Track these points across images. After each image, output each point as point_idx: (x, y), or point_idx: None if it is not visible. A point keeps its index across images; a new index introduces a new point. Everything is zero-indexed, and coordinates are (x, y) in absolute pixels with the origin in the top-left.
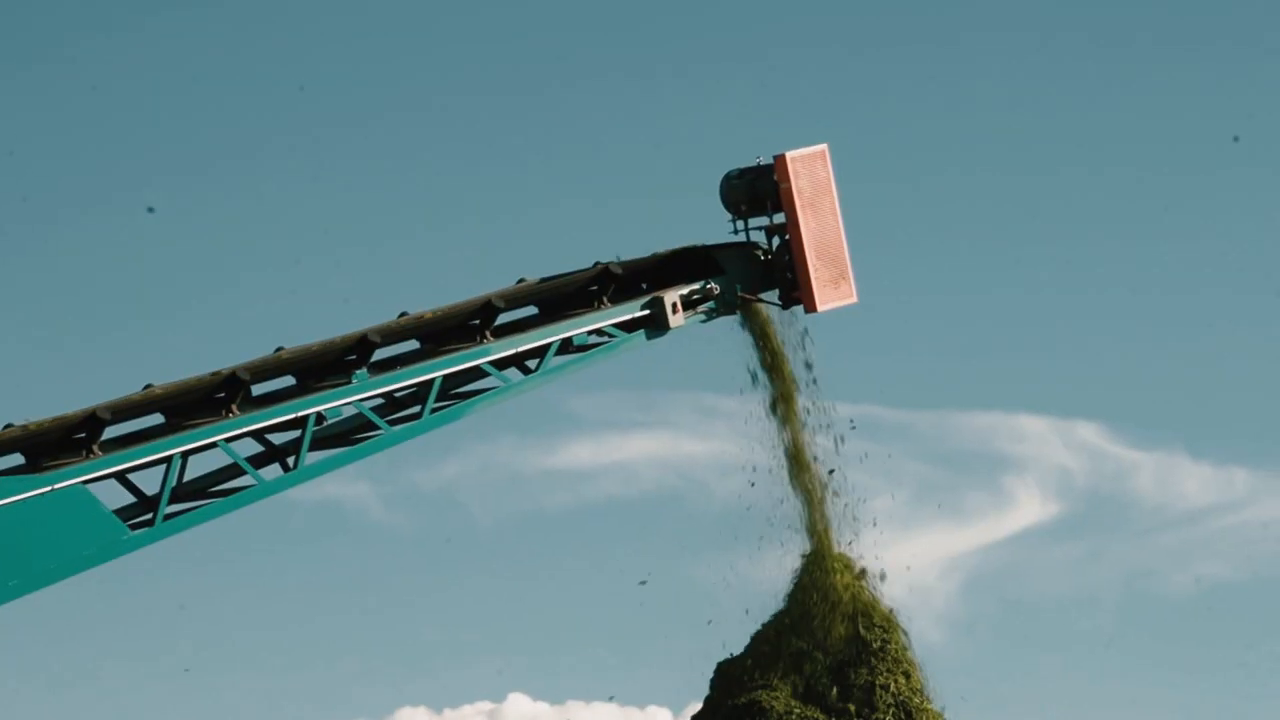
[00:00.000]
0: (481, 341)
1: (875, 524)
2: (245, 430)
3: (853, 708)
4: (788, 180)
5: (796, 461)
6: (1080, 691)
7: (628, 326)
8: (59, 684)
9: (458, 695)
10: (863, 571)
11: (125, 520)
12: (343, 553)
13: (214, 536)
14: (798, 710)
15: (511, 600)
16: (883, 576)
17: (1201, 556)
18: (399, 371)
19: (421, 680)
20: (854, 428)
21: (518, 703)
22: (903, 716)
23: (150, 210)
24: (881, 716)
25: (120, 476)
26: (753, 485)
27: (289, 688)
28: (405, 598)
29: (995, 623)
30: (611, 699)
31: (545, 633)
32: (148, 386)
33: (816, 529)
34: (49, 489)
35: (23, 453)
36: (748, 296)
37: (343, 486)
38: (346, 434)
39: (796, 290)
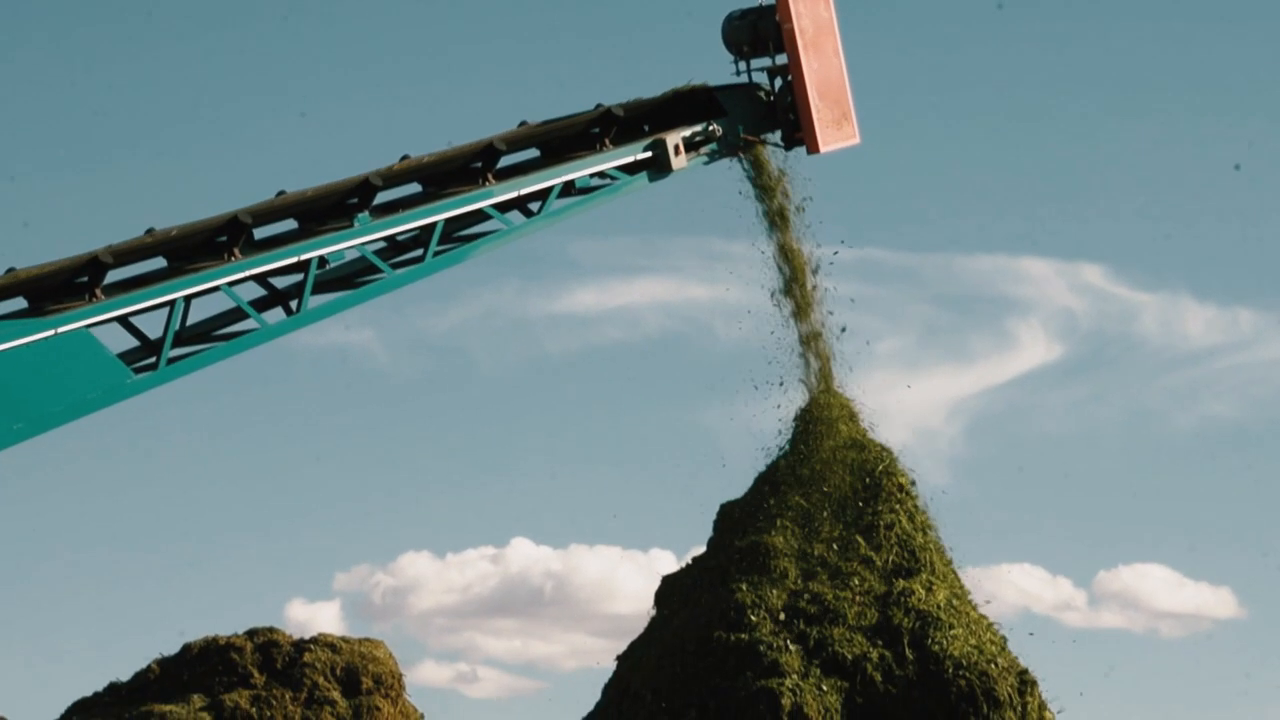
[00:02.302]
0: (483, 184)
1: (879, 366)
2: (248, 274)
3: (858, 545)
4: (790, 20)
5: (799, 304)
6: (1083, 530)
7: (630, 169)
8: (62, 527)
9: (461, 540)
10: (865, 413)
11: (129, 364)
12: (347, 399)
13: (218, 381)
14: (801, 550)
15: (514, 446)
16: (887, 418)
17: (1205, 397)
18: (401, 215)
19: (425, 525)
20: (837, 253)
21: (520, 547)
22: (906, 555)
23: (151, 44)
24: (885, 555)
25: (123, 320)
26: (758, 329)
27: (294, 534)
28: (409, 443)
29: (999, 464)
30: (614, 516)
31: (549, 478)
32: (149, 230)
33: (819, 371)
34: (52, 333)
35: (25, 297)
36: (750, 138)
37: (347, 333)
38: (349, 278)
39: (799, 131)
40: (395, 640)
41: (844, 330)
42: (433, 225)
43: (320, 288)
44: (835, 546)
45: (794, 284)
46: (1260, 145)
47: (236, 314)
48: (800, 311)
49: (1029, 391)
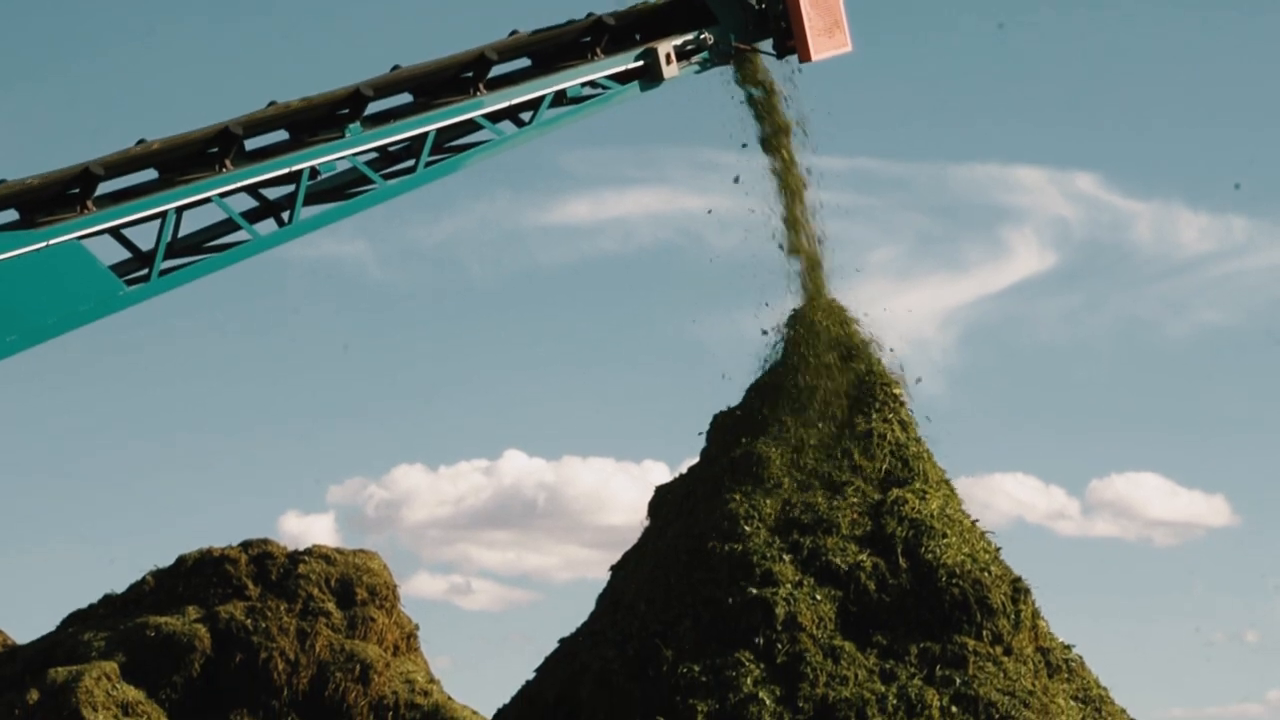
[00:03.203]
0: (475, 94)
1: (872, 276)
2: (239, 185)
3: (851, 454)
4: None
5: (792, 214)
6: (1076, 439)
7: (621, 78)
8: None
9: (454, 453)
10: (858, 322)
11: (120, 276)
12: (340, 311)
13: (210, 294)
14: (795, 459)
15: (508, 358)
16: (880, 327)
17: (1198, 305)
18: (392, 125)
19: (418, 438)
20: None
21: (514, 459)
22: (899, 464)
23: None
24: (878, 464)
25: (115, 232)
26: (750, 240)
27: (286, 446)
28: (402, 356)
29: (992, 373)
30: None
31: (541, 390)
32: (140, 141)
33: (812, 280)
34: (44, 245)
35: (17, 209)
36: (742, 46)
37: (340, 245)
38: (341, 189)
39: (791, 39)
40: (389, 553)
41: (830, 241)
42: (424, 136)
43: (312, 199)
44: (828, 456)
45: (787, 194)
46: (1256, 51)
47: (228, 225)
48: (794, 222)
49: (1022, 301)
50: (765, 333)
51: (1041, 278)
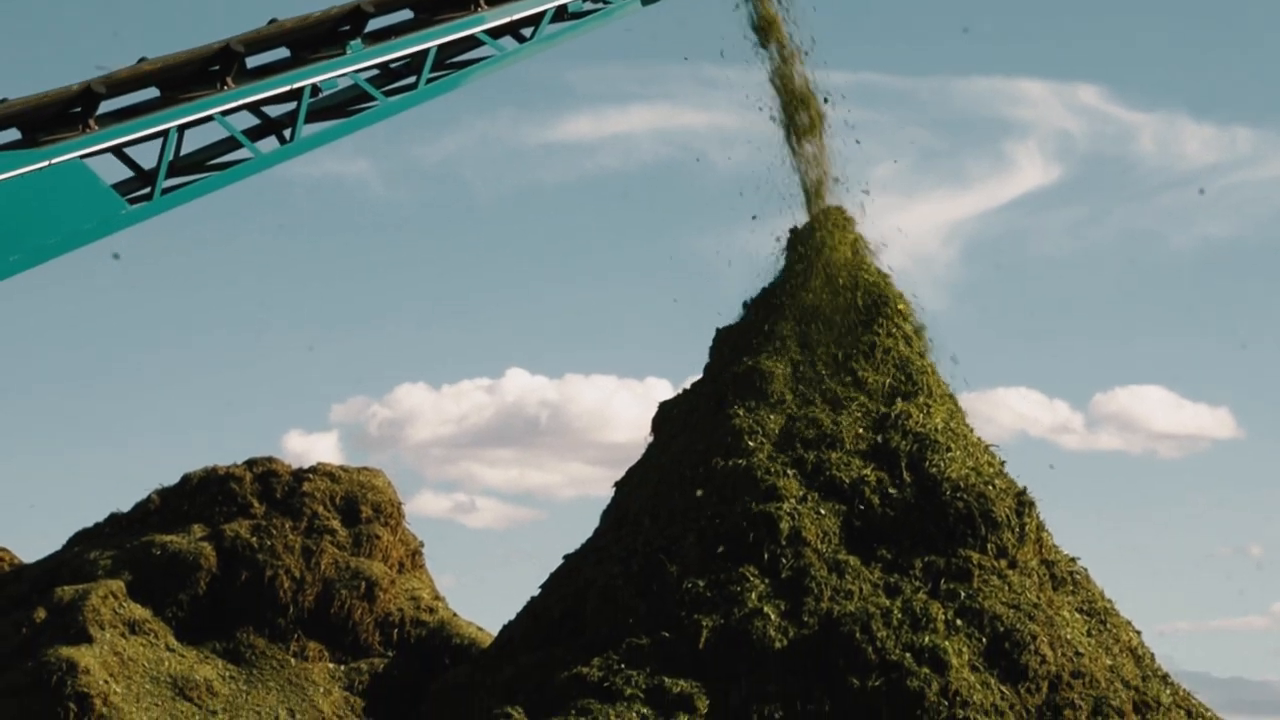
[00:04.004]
0: (476, 10)
1: (876, 190)
2: (241, 103)
3: (854, 369)
4: None
5: (795, 125)
6: (1080, 353)
7: None
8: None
9: (456, 371)
10: (861, 238)
11: (123, 194)
12: (343, 230)
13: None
14: (798, 374)
15: (509, 276)
16: (883, 243)
17: (1202, 217)
18: (394, 41)
19: (420, 357)
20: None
21: (516, 377)
22: (903, 378)
23: None
24: (882, 378)
25: (117, 151)
26: (755, 156)
27: (289, 366)
28: (403, 274)
29: (996, 287)
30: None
31: (544, 308)
32: (141, 60)
33: (816, 196)
34: (46, 164)
35: (19, 128)
36: None
37: (343, 163)
38: (342, 106)
39: None
40: (393, 471)
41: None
42: (425, 52)
43: (313, 116)
44: (832, 370)
45: (791, 109)
46: None
47: (230, 144)
48: (797, 136)
49: (1026, 214)
50: (778, 239)
51: (1045, 191)
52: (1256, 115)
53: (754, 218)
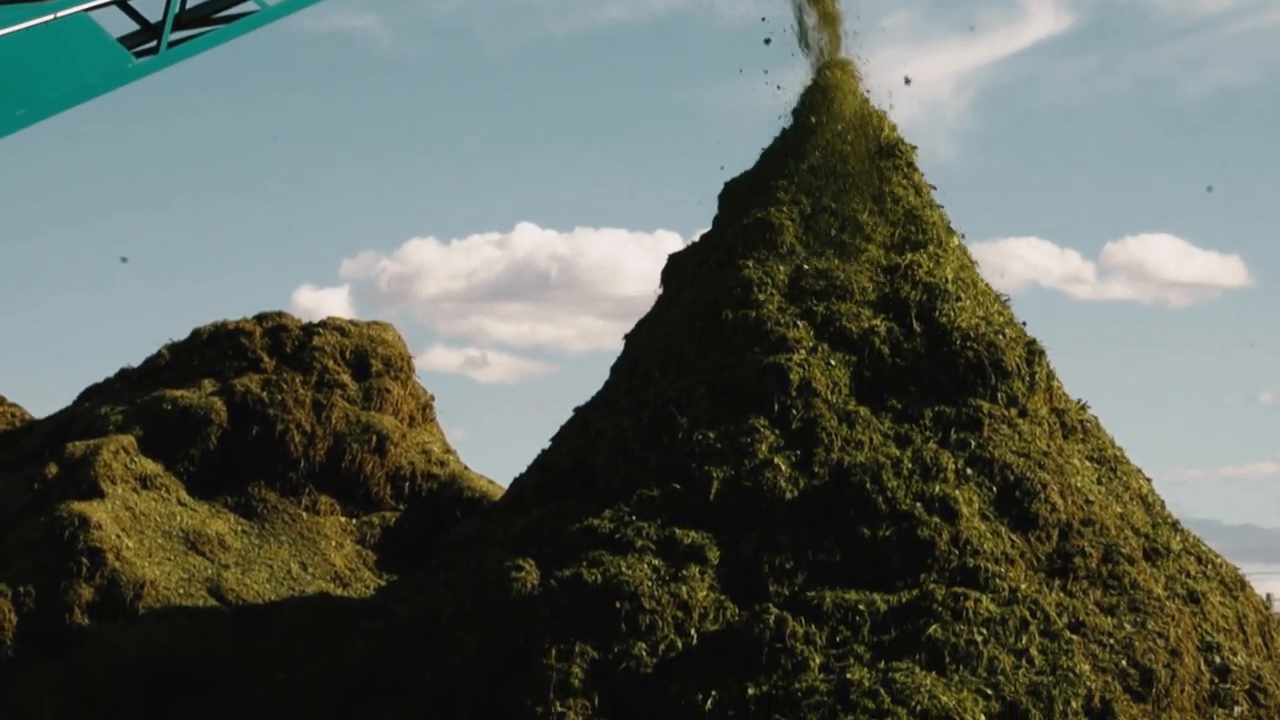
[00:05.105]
0: None
1: (886, 41)
2: None
3: (863, 219)
4: None
5: None
6: (1091, 202)
7: None
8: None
9: (466, 226)
10: (871, 87)
11: (129, 48)
12: (352, 85)
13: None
14: (807, 225)
15: (518, 130)
16: (894, 92)
17: (1215, 64)
18: None
19: (429, 211)
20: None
21: (526, 231)
22: (913, 228)
23: None
24: (892, 229)
25: (123, 3)
26: (764, 5)
27: (299, 221)
28: (412, 129)
29: (1007, 136)
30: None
31: (553, 162)
32: None
33: (826, 45)
34: (51, 17)
35: None
36: None
37: (350, 18)
38: None
39: None
40: (404, 326)
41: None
42: None
43: None
44: (841, 221)
45: None
46: None
47: None
48: None
49: (1037, 63)
50: (780, 88)
51: (1057, 39)
52: None
53: (766, 72)
